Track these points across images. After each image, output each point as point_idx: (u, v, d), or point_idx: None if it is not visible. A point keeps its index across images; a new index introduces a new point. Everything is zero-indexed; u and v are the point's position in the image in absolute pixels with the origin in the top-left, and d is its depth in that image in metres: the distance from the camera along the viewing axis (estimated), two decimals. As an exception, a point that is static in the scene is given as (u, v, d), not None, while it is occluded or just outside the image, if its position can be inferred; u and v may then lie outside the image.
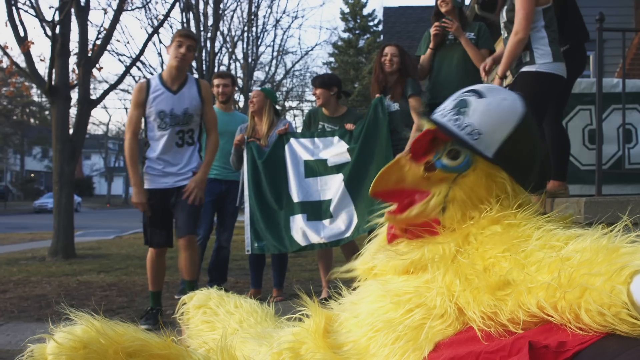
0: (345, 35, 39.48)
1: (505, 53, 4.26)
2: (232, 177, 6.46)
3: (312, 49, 33.95)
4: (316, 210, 5.73)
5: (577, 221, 1.38)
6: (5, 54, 11.73)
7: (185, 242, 4.97)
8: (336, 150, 5.73)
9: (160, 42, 25.68)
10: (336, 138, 5.74)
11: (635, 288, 1.01)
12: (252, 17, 23.71)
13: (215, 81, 6.64)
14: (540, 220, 1.43)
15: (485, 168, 1.57)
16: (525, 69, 4.30)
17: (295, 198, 5.73)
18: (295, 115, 34.33)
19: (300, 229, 5.72)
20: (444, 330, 1.38)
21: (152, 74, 22.65)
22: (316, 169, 5.76)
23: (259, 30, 24.96)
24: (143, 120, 5.13)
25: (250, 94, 6.24)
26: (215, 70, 20.17)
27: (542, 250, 1.26)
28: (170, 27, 22.35)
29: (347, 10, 39.65)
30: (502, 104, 1.59)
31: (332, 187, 5.72)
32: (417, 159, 1.65)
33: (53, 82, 10.77)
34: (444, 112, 1.65)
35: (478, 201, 1.56)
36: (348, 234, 5.63)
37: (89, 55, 11.48)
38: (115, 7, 12.42)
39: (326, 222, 5.69)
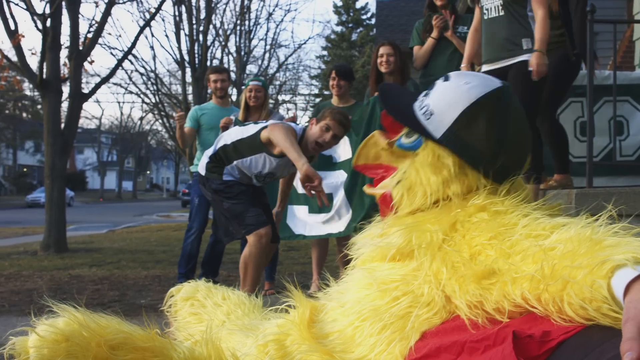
0: (338, 28, 39.48)
1: (541, 31, 4.17)
2: None
3: (305, 43, 34.10)
4: (316, 204, 5.74)
5: (567, 212, 1.35)
6: (-4, 47, 11.69)
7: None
8: (341, 144, 5.74)
9: (152, 35, 25.65)
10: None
11: (616, 283, 1.00)
12: (245, 10, 23.63)
13: (212, 76, 6.55)
14: (527, 208, 1.42)
15: (434, 148, 1.57)
16: (527, 57, 4.23)
17: (300, 189, 5.70)
18: (288, 109, 34.31)
19: (300, 219, 5.75)
20: (430, 319, 1.37)
21: (144, 67, 22.64)
22: (319, 162, 5.75)
23: (251, 24, 24.90)
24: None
25: (246, 87, 6.15)
26: (208, 64, 20.12)
27: (528, 240, 1.25)
28: (162, 20, 22.38)
29: (339, 3, 39.63)
30: (459, 88, 1.58)
31: (334, 183, 5.74)
32: (389, 136, 1.71)
33: (44, 76, 10.74)
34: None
35: (425, 179, 1.56)
36: (342, 229, 5.65)
37: (81, 48, 11.44)
38: (106, 0, 12.35)
39: (324, 216, 5.71)
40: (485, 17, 4.53)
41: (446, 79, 1.63)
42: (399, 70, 5.60)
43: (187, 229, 6.48)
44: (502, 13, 4.38)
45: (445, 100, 1.58)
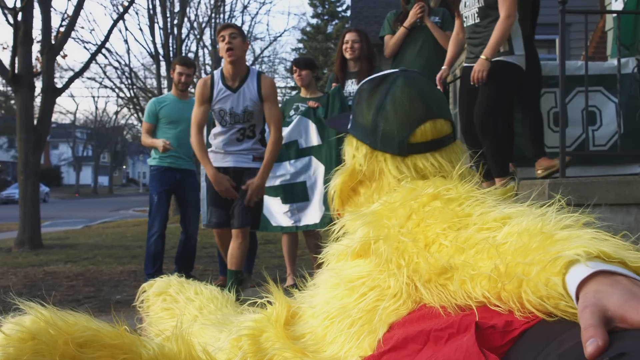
0: (314, 21, 39.35)
1: (497, 36, 4.37)
2: (186, 165, 6.36)
3: (280, 35, 34.03)
4: (289, 193, 5.77)
5: (525, 200, 1.35)
6: (-34, 42, 11.52)
7: (238, 233, 4.83)
8: (304, 130, 5.76)
9: (127, 29, 25.43)
10: (299, 117, 5.78)
11: (570, 279, 0.99)
12: (219, 3, 23.50)
13: (178, 68, 6.37)
14: (478, 194, 1.41)
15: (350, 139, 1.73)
16: (502, 58, 4.45)
17: (270, 181, 5.71)
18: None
19: (275, 211, 5.76)
20: (397, 310, 1.37)
21: (118, 62, 22.46)
22: (285, 152, 5.75)
23: (226, 17, 24.76)
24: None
25: None
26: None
27: (480, 233, 1.24)
28: (136, 13, 22.27)
29: (315, -5, 39.52)
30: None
31: (304, 170, 5.76)
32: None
33: (16, 71, 10.62)
34: None
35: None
36: (317, 221, 5.67)
37: (53, 42, 11.33)
38: (78, -6, 12.23)
39: (301, 205, 5.73)
40: (465, 25, 4.76)
41: None
42: (365, 57, 5.67)
43: (148, 227, 6.27)
44: (477, 20, 4.56)
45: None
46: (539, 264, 1.04)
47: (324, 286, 1.60)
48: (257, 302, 1.86)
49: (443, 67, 5.00)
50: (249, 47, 26.94)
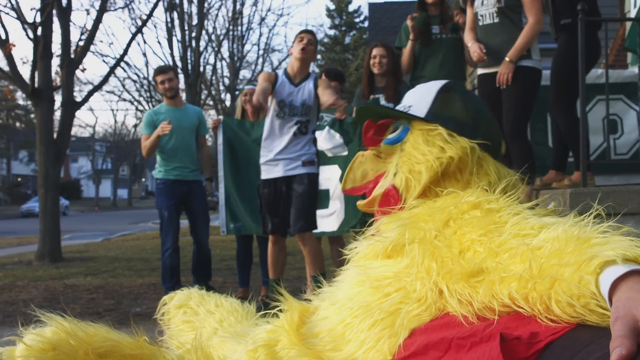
0: (332, 32, 39.53)
1: (525, 40, 4.38)
2: (193, 177, 6.28)
3: (298, 47, 33.85)
4: None
5: (562, 213, 1.36)
6: (-13, 57, 11.67)
7: (299, 239, 5.10)
8: (331, 141, 5.77)
9: (145, 42, 25.64)
10: (327, 128, 5.80)
11: (604, 279, 0.99)
12: (237, 15, 23.60)
13: (158, 78, 6.30)
14: (519, 207, 1.42)
15: (421, 127, 1.70)
16: (524, 63, 4.43)
17: None
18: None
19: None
20: (420, 316, 1.37)
21: (137, 75, 22.61)
22: None
23: (244, 29, 24.86)
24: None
25: (241, 92, 6.15)
26: (201, 69, 20.11)
27: (516, 238, 1.25)
28: (155, 26, 22.39)
29: (332, 7, 39.68)
30: (422, 86, 1.83)
31: (329, 177, 5.77)
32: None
33: (36, 85, 10.70)
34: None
35: (421, 155, 1.65)
36: (335, 229, 5.67)
37: (72, 56, 11.42)
38: (97, 8, 12.36)
39: (321, 212, 5.70)
40: (480, 24, 4.66)
41: (409, 88, 1.86)
42: (391, 71, 5.58)
43: (162, 242, 6.26)
44: (497, 20, 4.50)
45: (416, 94, 1.80)
46: (574, 264, 1.05)
47: (349, 282, 1.60)
48: (271, 313, 1.85)
49: (475, 45, 4.69)
50: (269, 59, 27.07)
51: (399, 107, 1.78)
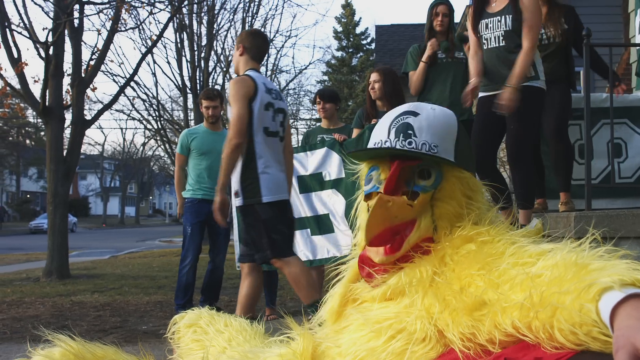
0: (339, 53, 39.62)
1: (524, 66, 4.30)
2: None
3: (305, 68, 34.13)
4: (315, 224, 5.76)
5: (551, 237, 1.37)
6: (-1, 75, 11.77)
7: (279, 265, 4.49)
8: (329, 162, 5.77)
9: (154, 62, 25.68)
10: (325, 149, 5.78)
11: (603, 306, 1.01)
12: (246, 36, 23.66)
13: (204, 102, 6.44)
14: (512, 236, 1.44)
15: (453, 173, 1.64)
16: (530, 83, 4.37)
17: (301, 213, 5.73)
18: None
19: (304, 243, 5.75)
20: (426, 354, 1.38)
21: (146, 94, 22.71)
22: (310, 184, 5.79)
23: (252, 50, 24.85)
24: None
25: None
26: (210, 90, 20.15)
27: (515, 268, 1.27)
28: (164, 47, 22.46)
29: (340, 29, 39.81)
30: (437, 115, 1.70)
31: (328, 203, 5.75)
32: (395, 194, 1.64)
33: (47, 103, 10.78)
34: (391, 142, 1.68)
35: (459, 206, 1.61)
36: (335, 255, 5.63)
37: (83, 75, 11.52)
38: (108, 28, 12.48)
39: (327, 236, 5.71)
40: (485, 47, 4.59)
41: (415, 114, 1.70)
42: (385, 96, 5.59)
43: (181, 258, 6.31)
44: (502, 43, 4.45)
45: (438, 129, 1.67)
46: (574, 292, 1.06)
47: (350, 325, 1.60)
48: (283, 334, 1.88)
49: (473, 79, 4.65)
50: (277, 80, 27.05)
51: (422, 144, 1.64)
